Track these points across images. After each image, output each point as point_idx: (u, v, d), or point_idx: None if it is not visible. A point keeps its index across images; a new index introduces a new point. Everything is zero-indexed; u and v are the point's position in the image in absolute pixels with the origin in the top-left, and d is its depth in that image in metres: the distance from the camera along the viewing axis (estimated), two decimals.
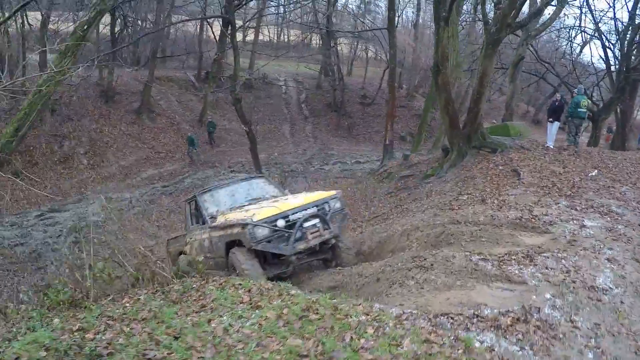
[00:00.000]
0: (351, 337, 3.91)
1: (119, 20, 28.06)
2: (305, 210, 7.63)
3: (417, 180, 14.81)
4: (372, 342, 3.82)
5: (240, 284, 5.80)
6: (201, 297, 5.39)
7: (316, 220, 7.61)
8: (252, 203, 8.65)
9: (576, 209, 8.41)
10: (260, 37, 38.91)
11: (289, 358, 3.62)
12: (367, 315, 4.40)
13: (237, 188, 9.46)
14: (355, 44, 40.79)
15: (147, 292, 6.03)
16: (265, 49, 34.65)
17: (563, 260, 5.87)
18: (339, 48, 35.10)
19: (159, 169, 24.34)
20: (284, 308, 4.69)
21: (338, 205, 8.13)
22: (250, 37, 36.95)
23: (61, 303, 5.75)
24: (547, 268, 5.61)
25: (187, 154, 25.17)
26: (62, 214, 18.94)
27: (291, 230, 7.30)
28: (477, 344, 3.85)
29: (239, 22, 22.48)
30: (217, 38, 29.57)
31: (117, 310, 5.07)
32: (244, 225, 7.16)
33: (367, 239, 9.91)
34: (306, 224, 7.48)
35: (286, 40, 45.78)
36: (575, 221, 7.63)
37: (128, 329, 4.34)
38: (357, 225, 13.01)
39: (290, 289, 5.56)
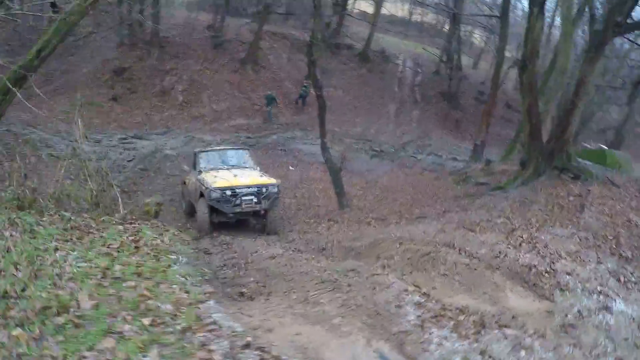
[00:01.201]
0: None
1: None
2: (249, 188, 11.17)
3: (487, 190, 13.09)
4: None
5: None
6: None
7: (252, 197, 11.12)
8: (229, 168, 12.18)
9: (619, 279, 6.17)
10: (385, 11, 37.31)
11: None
12: None
13: (225, 153, 13.26)
14: (488, 36, 37.85)
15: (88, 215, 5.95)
16: (389, 24, 33.28)
17: (528, 354, 4.01)
18: (470, 38, 32.77)
19: (248, 120, 24.37)
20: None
21: (274, 190, 11.37)
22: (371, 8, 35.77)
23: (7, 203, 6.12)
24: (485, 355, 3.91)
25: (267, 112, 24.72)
26: (143, 141, 19.59)
27: (233, 199, 10.98)
28: None
29: None
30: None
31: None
32: (207, 187, 10.99)
33: (365, 237, 9.02)
34: (245, 197, 11.07)
35: (413, 18, 43.71)
36: (601, 296, 5.46)
37: None
38: (391, 222, 11.49)
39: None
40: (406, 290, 4.88)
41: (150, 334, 3.20)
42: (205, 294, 4.17)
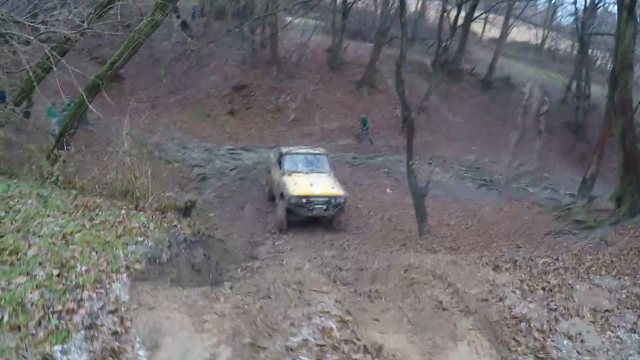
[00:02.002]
0: None
1: None
2: (320, 198, 13.17)
3: (573, 229, 11.84)
4: None
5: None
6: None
7: (322, 205, 13.20)
8: (308, 172, 14.21)
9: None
10: (515, 37, 35.77)
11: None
12: None
13: (307, 157, 15.05)
14: None
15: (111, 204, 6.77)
16: (516, 50, 31.88)
17: None
18: (600, 62, 30.33)
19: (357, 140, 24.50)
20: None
21: (341, 201, 13.36)
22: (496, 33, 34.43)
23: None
24: None
25: (359, 134, 24.57)
26: (249, 153, 20.59)
27: (307, 205, 13.03)
28: None
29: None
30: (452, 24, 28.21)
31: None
32: (287, 193, 12.96)
33: (384, 261, 8.85)
34: (316, 205, 13.13)
35: (543, 44, 41.26)
36: None
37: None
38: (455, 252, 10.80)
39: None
40: (327, 312, 4.58)
41: (50, 282, 4.03)
42: (124, 270, 4.57)
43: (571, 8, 30.25)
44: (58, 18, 8.40)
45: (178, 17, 23.18)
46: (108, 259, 4.61)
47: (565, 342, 4.68)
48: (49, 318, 3.56)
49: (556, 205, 17.59)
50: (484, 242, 12.30)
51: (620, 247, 8.44)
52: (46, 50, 7.54)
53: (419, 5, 36.82)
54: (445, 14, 28.79)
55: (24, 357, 3.14)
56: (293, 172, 14.03)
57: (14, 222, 4.98)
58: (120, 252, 4.85)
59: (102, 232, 5.21)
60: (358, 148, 23.65)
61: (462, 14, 29.43)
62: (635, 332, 4.96)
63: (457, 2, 27.79)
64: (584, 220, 12.63)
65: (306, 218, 13.31)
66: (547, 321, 5.00)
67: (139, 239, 5.35)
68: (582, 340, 4.75)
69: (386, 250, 11.39)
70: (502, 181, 22.85)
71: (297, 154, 15.09)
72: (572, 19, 31.95)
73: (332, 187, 13.63)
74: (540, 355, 4.46)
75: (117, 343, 3.56)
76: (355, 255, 10.81)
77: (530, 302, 5.46)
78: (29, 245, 4.52)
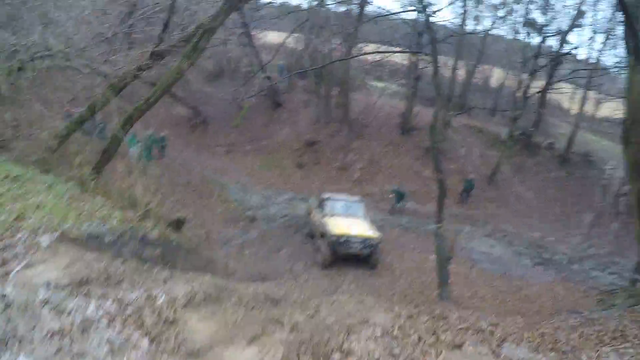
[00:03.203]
0: None
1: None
2: (356, 238, 15.15)
3: (594, 309, 11.32)
4: None
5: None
6: None
7: (358, 244, 15.17)
8: (347, 216, 16.26)
9: None
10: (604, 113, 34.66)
11: None
12: None
13: (345, 203, 17.25)
14: None
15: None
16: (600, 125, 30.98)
17: None
18: None
19: (418, 205, 24.69)
20: None
21: (375, 242, 15.34)
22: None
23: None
24: None
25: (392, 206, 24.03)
26: (304, 204, 21.24)
27: (345, 243, 14.98)
28: None
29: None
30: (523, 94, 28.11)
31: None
32: (328, 232, 15.07)
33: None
34: (353, 244, 15.11)
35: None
36: None
37: None
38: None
39: None
40: None
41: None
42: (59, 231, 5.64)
43: None
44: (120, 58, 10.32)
45: (264, 71, 25.05)
46: (55, 222, 5.87)
47: None
48: None
49: (606, 289, 16.79)
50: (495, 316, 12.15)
51: (599, 329, 8.15)
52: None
53: (499, 76, 36.90)
54: (520, 85, 28.81)
55: None
56: (333, 214, 16.17)
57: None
58: (70, 222, 6.09)
59: (68, 209, 6.49)
60: (416, 213, 23.80)
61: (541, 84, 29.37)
62: None
63: (529, 72, 27.72)
64: (620, 304, 12.06)
65: (343, 255, 15.11)
66: None
67: (96, 221, 6.53)
68: None
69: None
70: (564, 261, 22.05)
71: (337, 200, 17.34)
72: None
73: (368, 230, 15.69)
74: None
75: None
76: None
77: None
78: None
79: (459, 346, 4.76)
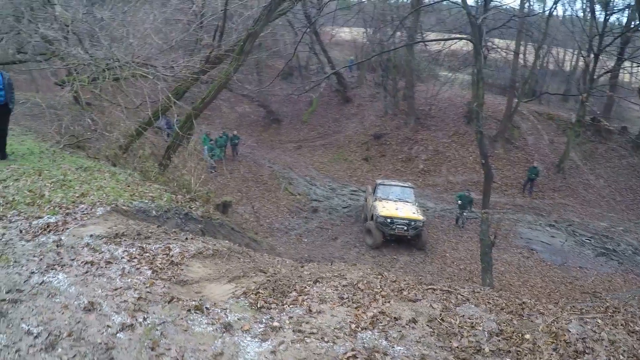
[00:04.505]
0: None
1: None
2: (402, 220, 16.61)
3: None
4: None
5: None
6: None
7: (403, 226, 16.60)
8: (397, 200, 17.72)
9: None
10: None
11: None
12: None
13: (397, 188, 18.77)
14: None
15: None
16: None
17: None
18: None
19: (481, 195, 25.17)
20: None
21: (420, 224, 16.74)
22: None
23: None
24: None
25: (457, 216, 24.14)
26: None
27: (391, 225, 16.51)
28: None
29: None
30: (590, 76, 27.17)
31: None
32: (376, 214, 16.78)
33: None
34: (398, 225, 16.56)
35: None
36: None
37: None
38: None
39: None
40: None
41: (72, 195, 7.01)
42: (112, 205, 6.94)
43: None
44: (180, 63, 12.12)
45: (332, 68, 26.43)
46: (111, 199, 7.15)
47: None
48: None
49: None
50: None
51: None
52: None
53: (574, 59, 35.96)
54: (587, 66, 27.65)
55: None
56: (384, 199, 17.83)
57: (41, 173, 8.01)
58: (123, 199, 7.35)
59: (124, 191, 7.89)
60: (478, 203, 24.26)
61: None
62: None
63: (594, 51, 25.99)
64: None
65: (391, 236, 16.75)
66: None
67: (144, 200, 7.82)
68: None
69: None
70: (629, 252, 22.01)
71: (390, 185, 18.99)
72: None
73: (414, 213, 17.20)
74: None
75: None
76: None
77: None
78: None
79: (414, 300, 4.73)
